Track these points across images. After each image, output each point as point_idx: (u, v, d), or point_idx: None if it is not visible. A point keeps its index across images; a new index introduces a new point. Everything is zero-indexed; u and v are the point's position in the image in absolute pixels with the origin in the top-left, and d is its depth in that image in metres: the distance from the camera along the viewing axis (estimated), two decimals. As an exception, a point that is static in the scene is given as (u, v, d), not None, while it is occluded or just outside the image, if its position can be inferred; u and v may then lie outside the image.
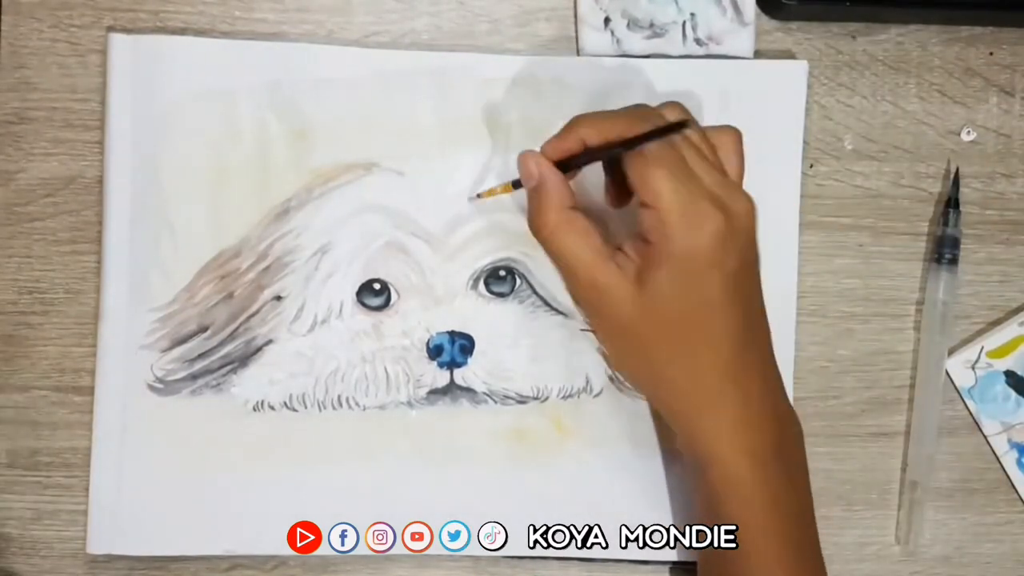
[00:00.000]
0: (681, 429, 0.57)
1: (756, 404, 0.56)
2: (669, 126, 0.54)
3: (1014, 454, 0.64)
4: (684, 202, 0.53)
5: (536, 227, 0.57)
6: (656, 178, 0.53)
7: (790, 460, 0.57)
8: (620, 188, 0.57)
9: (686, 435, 0.57)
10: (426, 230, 0.61)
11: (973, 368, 0.64)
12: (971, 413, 0.64)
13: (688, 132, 0.55)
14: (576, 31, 0.62)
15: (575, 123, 0.55)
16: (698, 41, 0.62)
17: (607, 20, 0.62)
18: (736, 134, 0.57)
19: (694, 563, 0.59)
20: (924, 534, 0.64)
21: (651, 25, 0.62)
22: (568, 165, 0.56)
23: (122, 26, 0.61)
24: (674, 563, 0.61)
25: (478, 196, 0.60)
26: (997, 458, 0.64)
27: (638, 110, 0.56)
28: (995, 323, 0.65)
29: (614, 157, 0.55)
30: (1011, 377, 0.64)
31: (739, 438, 0.55)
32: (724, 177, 0.55)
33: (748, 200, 0.55)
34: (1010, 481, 0.64)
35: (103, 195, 0.60)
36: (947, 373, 0.64)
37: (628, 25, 0.62)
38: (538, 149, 0.56)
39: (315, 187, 0.61)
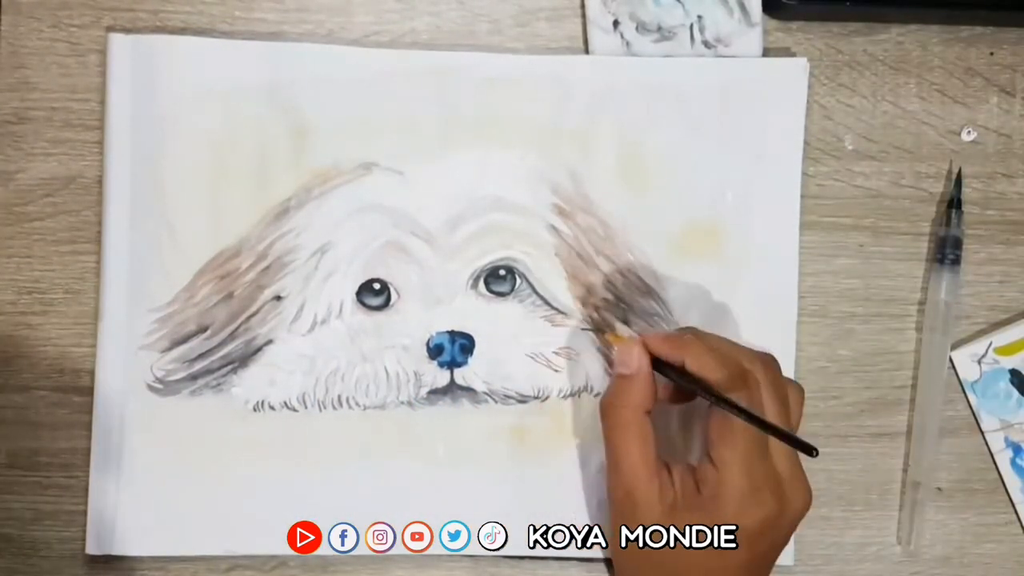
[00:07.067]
0: None
1: None
2: (788, 438, 0.54)
3: (1009, 452, 0.64)
4: (749, 486, 0.54)
5: (606, 410, 0.57)
6: (731, 450, 0.54)
7: None
8: (681, 395, 0.58)
9: None
10: (426, 230, 0.61)
11: (979, 362, 0.64)
12: (971, 408, 0.64)
13: (766, 381, 0.56)
14: (586, 33, 0.62)
15: (686, 341, 0.56)
16: (706, 43, 0.62)
17: (616, 23, 0.62)
18: (802, 392, 0.58)
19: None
20: (924, 534, 0.64)
21: (659, 28, 0.62)
22: (659, 367, 0.56)
23: (121, 26, 0.61)
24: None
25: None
26: (991, 455, 0.64)
27: (742, 358, 0.56)
28: (999, 324, 0.65)
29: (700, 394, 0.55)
30: (1016, 376, 0.64)
31: None
32: (796, 465, 0.56)
33: (807, 494, 0.56)
34: (1001, 479, 0.64)
35: (103, 195, 0.60)
36: (952, 364, 0.64)
37: (637, 28, 0.62)
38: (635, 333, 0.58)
39: (314, 187, 0.61)
